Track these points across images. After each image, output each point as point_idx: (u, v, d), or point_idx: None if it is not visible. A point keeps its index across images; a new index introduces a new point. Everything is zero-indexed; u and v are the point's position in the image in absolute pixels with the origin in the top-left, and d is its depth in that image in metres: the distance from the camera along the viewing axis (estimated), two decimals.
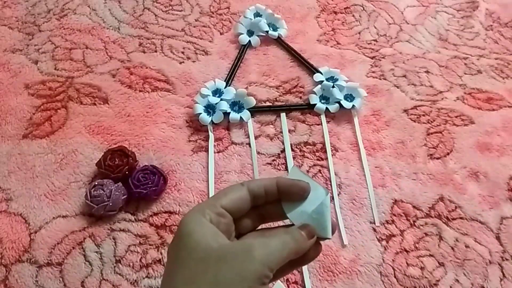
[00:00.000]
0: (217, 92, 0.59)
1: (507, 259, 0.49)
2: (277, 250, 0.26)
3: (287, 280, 0.46)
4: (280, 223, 0.32)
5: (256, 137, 0.56)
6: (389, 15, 0.74)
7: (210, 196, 0.51)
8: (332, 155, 0.55)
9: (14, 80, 0.60)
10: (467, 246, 0.49)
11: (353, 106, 0.59)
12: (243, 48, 0.66)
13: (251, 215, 0.30)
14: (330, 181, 0.53)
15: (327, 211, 0.29)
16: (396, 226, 0.50)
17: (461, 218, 0.51)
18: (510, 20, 0.76)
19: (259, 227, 0.31)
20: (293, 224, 0.29)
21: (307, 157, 0.55)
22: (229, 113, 0.57)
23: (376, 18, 0.74)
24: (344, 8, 0.75)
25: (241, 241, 0.27)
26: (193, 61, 0.64)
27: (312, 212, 0.29)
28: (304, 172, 0.31)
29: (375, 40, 0.70)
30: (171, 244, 0.27)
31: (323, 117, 0.59)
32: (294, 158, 0.55)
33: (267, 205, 0.30)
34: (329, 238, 0.29)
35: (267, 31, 0.67)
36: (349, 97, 0.60)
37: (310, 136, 0.57)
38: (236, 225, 0.29)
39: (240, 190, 0.29)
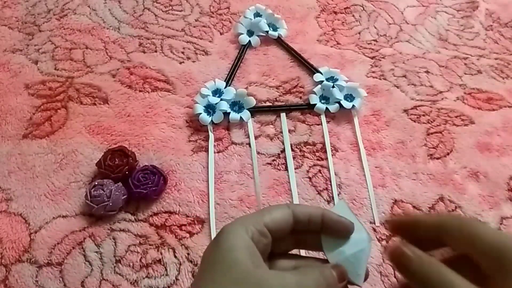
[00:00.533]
0: (217, 92, 0.59)
1: None
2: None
3: None
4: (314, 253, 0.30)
5: (256, 137, 0.56)
6: (389, 15, 0.74)
7: (210, 196, 0.51)
8: (332, 155, 0.55)
9: (14, 80, 0.60)
10: None
11: (353, 106, 0.59)
12: (243, 48, 0.66)
13: (289, 239, 0.29)
14: (330, 181, 0.53)
15: (365, 258, 0.28)
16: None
17: None
18: (510, 20, 0.76)
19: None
20: (327, 261, 0.28)
21: (307, 157, 0.55)
22: (229, 113, 0.58)
23: (376, 18, 0.74)
24: (344, 8, 0.75)
25: (279, 273, 0.26)
26: (193, 61, 0.64)
27: (350, 255, 0.28)
28: (351, 210, 0.30)
29: (375, 40, 0.70)
30: (207, 251, 0.27)
31: (323, 117, 0.59)
32: (294, 158, 0.55)
33: (307, 233, 0.29)
34: (359, 286, 0.28)
35: (267, 31, 0.67)
36: (349, 97, 0.60)
37: (310, 136, 0.57)
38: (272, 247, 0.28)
39: (285, 211, 0.28)
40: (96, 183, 0.48)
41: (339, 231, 0.29)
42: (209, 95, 0.58)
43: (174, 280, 0.45)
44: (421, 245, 0.27)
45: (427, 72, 0.66)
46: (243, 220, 0.27)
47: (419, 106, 0.62)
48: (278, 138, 0.57)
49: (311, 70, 0.64)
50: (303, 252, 0.39)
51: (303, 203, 0.51)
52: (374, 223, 0.50)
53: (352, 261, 0.28)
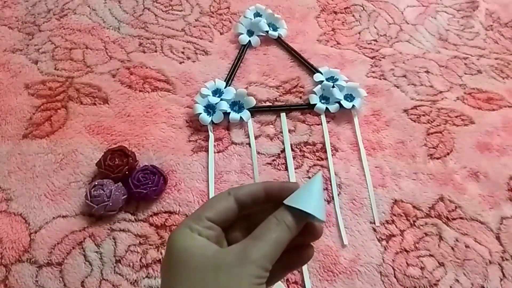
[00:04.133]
0: (217, 92, 0.59)
1: (507, 259, 0.49)
2: (269, 248, 0.26)
3: (287, 280, 0.46)
4: None
5: (256, 137, 0.56)
6: (389, 15, 0.74)
7: (210, 196, 0.51)
8: (332, 155, 0.55)
9: (14, 80, 0.60)
10: (467, 246, 0.49)
11: (353, 106, 0.59)
12: (243, 48, 0.66)
13: (241, 224, 0.30)
14: (330, 181, 0.53)
15: (318, 191, 0.28)
16: (396, 226, 0.50)
17: (461, 218, 0.51)
18: (510, 20, 0.76)
19: None
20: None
21: (307, 157, 0.55)
22: (229, 113, 0.57)
23: (376, 18, 0.74)
24: (344, 8, 0.75)
25: (234, 246, 0.27)
26: (193, 61, 0.64)
27: (303, 192, 0.28)
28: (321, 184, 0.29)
29: (375, 40, 0.70)
30: (163, 264, 0.27)
31: (323, 117, 0.59)
32: (294, 158, 0.55)
33: (258, 214, 0.29)
34: (322, 221, 0.28)
35: (267, 31, 0.67)
36: (349, 97, 0.60)
37: (310, 136, 0.57)
38: (226, 237, 0.29)
39: (226, 200, 0.29)
40: (96, 183, 0.48)
41: (286, 194, 0.28)
42: (209, 95, 0.58)
43: None
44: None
45: (427, 72, 0.66)
46: (185, 222, 0.28)
47: (419, 106, 0.62)
48: (278, 138, 0.57)
49: (311, 70, 0.64)
50: None
51: None
52: (374, 223, 0.50)
53: (307, 198, 0.27)
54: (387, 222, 0.51)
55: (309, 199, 0.27)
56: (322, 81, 0.61)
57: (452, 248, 0.49)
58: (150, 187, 0.49)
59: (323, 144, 0.56)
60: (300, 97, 0.61)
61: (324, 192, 0.52)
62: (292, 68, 0.64)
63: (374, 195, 0.52)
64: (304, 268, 0.46)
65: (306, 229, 0.29)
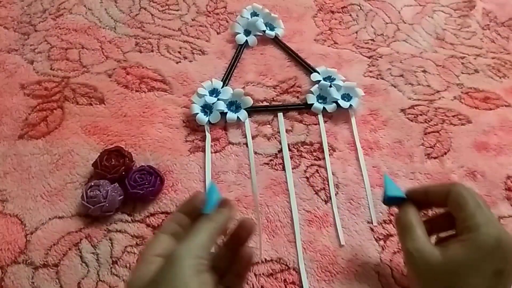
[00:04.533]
0: (214, 92, 0.59)
1: None
2: (202, 242, 0.32)
3: (285, 280, 0.46)
4: None
5: (253, 137, 0.56)
6: (386, 15, 0.74)
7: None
8: (329, 155, 0.55)
9: (10, 80, 0.60)
10: None
11: (351, 105, 0.59)
12: (240, 48, 0.65)
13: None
14: (328, 181, 0.53)
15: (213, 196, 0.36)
16: (393, 226, 0.50)
17: None
18: (507, 19, 0.77)
19: None
20: None
21: (305, 157, 0.55)
22: (226, 113, 0.57)
23: (373, 17, 0.74)
24: (341, 8, 0.74)
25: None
26: (190, 61, 0.64)
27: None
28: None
29: (372, 40, 0.70)
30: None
31: (320, 117, 0.59)
32: (291, 158, 0.55)
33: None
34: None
35: (264, 31, 0.67)
36: (347, 97, 0.60)
37: (307, 136, 0.57)
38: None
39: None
40: (93, 184, 0.48)
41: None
42: (206, 95, 0.58)
43: None
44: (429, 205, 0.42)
45: (424, 71, 0.66)
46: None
47: (416, 105, 0.62)
48: (275, 138, 0.57)
49: (308, 69, 0.64)
50: None
51: (300, 203, 0.51)
52: (372, 223, 0.50)
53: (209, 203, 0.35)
54: (384, 222, 0.51)
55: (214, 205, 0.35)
56: (319, 80, 0.61)
57: None
58: (147, 187, 0.49)
59: (321, 144, 0.56)
60: (297, 97, 0.61)
61: (322, 192, 0.52)
62: (289, 67, 0.64)
63: (371, 195, 0.52)
64: (302, 268, 0.46)
65: (239, 226, 0.36)
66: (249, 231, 0.36)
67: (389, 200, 0.43)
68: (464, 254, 0.35)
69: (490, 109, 0.63)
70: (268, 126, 0.58)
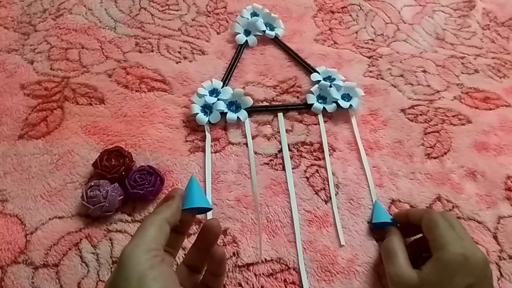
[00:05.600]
0: (214, 92, 0.59)
1: (504, 259, 0.49)
2: (150, 235, 0.31)
3: (285, 280, 0.46)
4: None
5: (253, 137, 0.56)
6: (386, 15, 0.74)
7: (207, 196, 0.50)
8: (329, 155, 0.55)
9: (10, 80, 0.60)
10: None
11: (351, 105, 0.59)
12: (240, 48, 0.65)
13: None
14: (328, 181, 0.53)
15: (194, 188, 0.35)
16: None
17: (458, 217, 0.51)
18: (507, 19, 0.77)
19: None
20: None
21: (305, 157, 0.55)
22: (226, 113, 0.57)
23: (373, 17, 0.74)
24: (341, 8, 0.74)
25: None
26: (190, 61, 0.64)
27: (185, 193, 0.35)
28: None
29: (372, 40, 0.70)
30: None
31: (320, 117, 0.59)
32: (291, 158, 0.55)
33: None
34: (209, 208, 0.37)
35: (264, 31, 0.67)
36: (347, 97, 0.60)
37: (307, 136, 0.57)
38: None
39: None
40: (93, 184, 0.48)
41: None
42: (206, 95, 0.58)
43: None
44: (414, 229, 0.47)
45: (424, 71, 0.66)
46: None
47: (416, 105, 0.62)
48: (275, 138, 0.57)
49: (308, 69, 0.64)
50: None
51: (300, 203, 0.51)
52: (371, 222, 0.50)
53: (189, 196, 0.35)
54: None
55: (193, 198, 0.35)
56: (319, 80, 0.61)
57: None
58: (147, 187, 0.49)
59: (321, 144, 0.56)
60: (297, 97, 0.61)
61: (322, 192, 0.52)
62: (289, 67, 0.64)
63: (374, 195, 0.52)
64: (302, 268, 0.46)
65: (203, 229, 0.35)
66: (215, 233, 0.35)
67: (376, 226, 0.49)
68: (435, 273, 0.39)
69: (490, 109, 0.63)
70: (268, 126, 0.58)
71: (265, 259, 0.47)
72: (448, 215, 0.44)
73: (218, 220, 0.36)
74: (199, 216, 0.49)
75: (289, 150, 0.55)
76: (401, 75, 0.65)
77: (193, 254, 0.36)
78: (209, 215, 0.49)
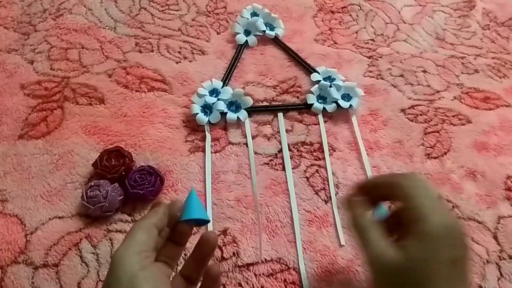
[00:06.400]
0: (214, 92, 0.59)
1: (504, 259, 0.49)
2: (139, 238, 0.32)
3: (285, 280, 0.46)
4: None
5: (253, 137, 0.56)
6: (386, 15, 0.74)
7: (207, 196, 0.50)
8: (329, 155, 0.55)
9: (10, 80, 0.60)
10: None
11: (351, 105, 0.59)
12: (240, 48, 0.65)
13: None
14: (328, 181, 0.53)
15: (193, 200, 0.36)
16: None
17: (458, 217, 0.51)
18: (507, 19, 0.77)
19: None
20: None
21: (305, 157, 0.55)
22: (226, 113, 0.57)
23: (373, 17, 0.74)
24: (341, 8, 0.74)
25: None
26: (190, 61, 0.64)
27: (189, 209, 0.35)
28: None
29: (372, 40, 0.70)
30: None
31: (320, 117, 0.59)
32: (291, 158, 0.55)
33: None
34: (207, 220, 0.36)
35: (264, 31, 0.67)
36: (347, 97, 0.60)
37: (307, 136, 0.57)
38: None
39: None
40: (93, 184, 0.48)
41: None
42: (206, 95, 0.58)
43: None
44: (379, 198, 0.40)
45: (424, 71, 0.66)
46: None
47: (416, 105, 0.62)
48: (275, 138, 0.57)
49: (308, 69, 0.64)
50: None
51: (300, 203, 0.51)
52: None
53: (188, 208, 0.35)
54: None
55: (191, 210, 0.35)
56: (319, 80, 0.61)
57: None
58: (147, 187, 0.49)
59: (321, 144, 0.56)
60: (297, 97, 0.61)
61: (322, 192, 0.52)
62: (289, 67, 0.64)
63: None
64: (302, 268, 0.46)
65: (200, 241, 0.35)
66: (212, 245, 0.36)
67: None
68: (420, 250, 0.33)
69: (490, 109, 0.63)
70: (268, 126, 0.58)
71: (265, 259, 0.47)
72: (419, 177, 0.38)
73: (216, 233, 0.37)
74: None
75: (289, 150, 0.55)
76: (401, 75, 0.65)
77: (190, 265, 0.37)
78: (210, 226, 0.49)
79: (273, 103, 0.60)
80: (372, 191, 0.40)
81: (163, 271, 0.34)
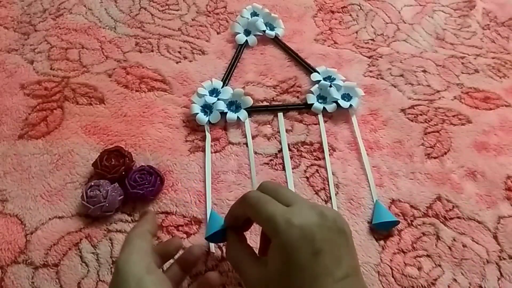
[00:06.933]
0: (214, 92, 0.59)
1: (504, 259, 0.49)
2: (138, 245, 0.35)
3: None
4: None
5: (253, 137, 0.56)
6: (386, 15, 0.74)
7: (207, 196, 0.50)
8: (329, 154, 0.55)
9: (10, 80, 0.60)
10: (464, 246, 0.49)
11: (351, 105, 0.59)
12: (240, 48, 0.65)
13: None
14: (328, 181, 0.53)
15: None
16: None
17: (458, 217, 0.51)
18: (507, 19, 0.77)
19: None
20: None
21: (304, 157, 0.55)
22: (226, 113, 0.57)
23: (373, 17, 0.74)
24: (341, 8, 0.74)
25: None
26: (190, 61, 0.64)
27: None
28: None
29: (372, 40, 0.70)
30: None
31: (320, 117, 0.59)
32: (291, 158, 0.55)
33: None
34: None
35: (264, 31, 0.67)
36: (347, 97, 0.60)
37: (307, 135, 0.57)
38: None
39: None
40: (92, 184, 0.48)
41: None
42: (206, 95, 0.58)
43: None
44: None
45: (424, 71, 0.66)
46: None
47: (416, 105, 0.62)
48: (275, 138, 0.57)
49: (308, 69, 0.64)
50: None
51: None
52: (371, 222, 0.50)
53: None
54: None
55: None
56: (319, 80, 0.61)
57: (450, 248, 0.49)
58: (147, 187, 0.49)
59: (321, 143, 0.56)
60: (297, 97, 0.61)
61: (322, 192, 0.52)
62: (289, 67, 0.64)
63: (374, 194, 0.52)
64: None
65: (186, 251, 0.41)
66: (193, 260, 0.40)
67: (378, 226, 0.50)
68: (279, 261, 0.34)
69: (490, 109, 0.63)
70: (268, 126, 0.58)
71: None
72: (264, 186, 0.39)
73: (202, 250, 0.42)
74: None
75: (289, 150, 0.55)
76: (401, 75, 0.65)
77: (175, 269, 0.40)
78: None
79: (273, 103, 0.60)
80: (235, 222, 0.42)
81: (165, 278, 0.35)
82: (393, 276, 0.47)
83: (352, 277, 0.33)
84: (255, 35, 0.67)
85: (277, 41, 0.67)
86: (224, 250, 0.46)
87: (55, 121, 0.56)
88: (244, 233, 0.43)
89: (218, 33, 0.68)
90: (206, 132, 0.56)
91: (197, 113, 0.56)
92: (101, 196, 0.47)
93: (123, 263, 0.33)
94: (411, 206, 0.52)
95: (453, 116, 0.61)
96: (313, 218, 0.34)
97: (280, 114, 0.59)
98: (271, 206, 0.36)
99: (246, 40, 0.66)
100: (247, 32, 0.67)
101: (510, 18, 0.77)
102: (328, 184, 0.53)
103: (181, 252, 0.43)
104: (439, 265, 0.48)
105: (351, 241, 0.36)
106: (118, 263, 0.33)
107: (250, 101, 0.58)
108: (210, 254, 0.46)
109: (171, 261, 0.42)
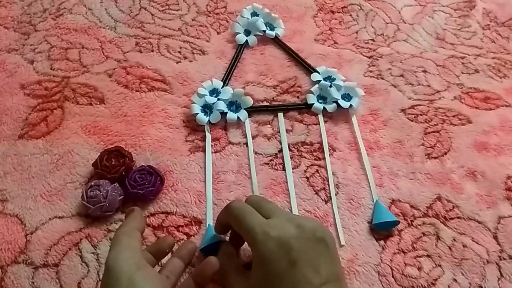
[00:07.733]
0: (214, 92, 0.59)
1: (504, 259, 0.49)
2: (127, 243, 0.35)
3: None
4: None
5: (253, 137, 0.56)
6: (387, 15, 0.74)
7: (207, 196, 0.50)
8: (329, 154, 0.55)
9: (10, 80, 0.60)
10: (464, 246, 0.49)
11: (351, 105, 0.59)
12: (240, 48, 0.65)
13: None
14: (328, 181, 0.53)
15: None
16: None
17: (458, 217, 0.51)
18: (507, 19, 0.77)
19: None
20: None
21: (305, 157, 0.55)
22: (226, 113, 0.57)
23: (374, 17, 0.74)
24: (342, 8, 0.74)
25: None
26: (190, 61, 0.64)
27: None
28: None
29: (373, 40, 0.70)
30: None
31: (320, 117, 0.59)
32: (291, 158, 0.55)
33: None
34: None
35: (264, 31, 0.67)
36: (347, 97, 0.60)
37: (307, 135, 0.57)
38: None
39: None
40: (93, 184, 0.48)
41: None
42: (206, 95, 0.58)
43: None
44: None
45: (424, 71, 0.66)
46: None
47: (416, 105, 0.62)
48: (275, 138, 0.57)
49: (309, 69, 0.64)
50: None
51: (300, 203, 0.51)
52: (372, 223, 0.50)
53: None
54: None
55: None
56: (320, 80, 0.61)
57: (450, 248, 0.49)
58: (147, 187, 0.49)
59: (321, 144, 0.56)
60: (298, 97, 0.61)
61: (322, 192, 0.52)
62: (289, 67, 0.64)
63: (374, 195, 0.52)
64: None
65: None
66: (213, 268, 0.38)
67: (378, 226, 0.50)
68: (259, 272, 0.36)
69: (490, 109, 0.63)
70: (268, 126, 0.58)
71: None
72: (249, 198, 0.41)
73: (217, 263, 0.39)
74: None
75: (289, 150, 0.55)
76: (401, 75, 0.65)
77: (188, 285, 0.40)
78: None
79: (273, 103, 0.60)
80: (225, 228, 0.44)
81: (157, 274, 0.36)
82: (393, 276, 0.47)
83: (332, 283, 0.35)
84: (255, 35, 0.67)
85: (277, 41, 0.67)
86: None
87: (55, 121, 0.56)
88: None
89: (218, 33, 0.68)
90: (206, 132, 0.56)
91: (197, 113, 0.56)
92: (101, 196, 0.47)
93: (113, 261, 0.33)
94: (411, 206, 0.52)
95: (453, 116, 0.61)
96: (290, 230, 0.36)
97: (280, 114, 0.59)
98: (251, 218, 0.38)
99: (246, 40, 0.66)
100: (247, 32, 0.67)
101: (510, 18, 0.77)
102: (328, 184, 0.53)
103: (180, 251, 0.43)
104: (439, 265, 0.48)
105: (332, 249, 0.37)
106: (107, 262, 0.33)
107: (250, 101, 0.58)
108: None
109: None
